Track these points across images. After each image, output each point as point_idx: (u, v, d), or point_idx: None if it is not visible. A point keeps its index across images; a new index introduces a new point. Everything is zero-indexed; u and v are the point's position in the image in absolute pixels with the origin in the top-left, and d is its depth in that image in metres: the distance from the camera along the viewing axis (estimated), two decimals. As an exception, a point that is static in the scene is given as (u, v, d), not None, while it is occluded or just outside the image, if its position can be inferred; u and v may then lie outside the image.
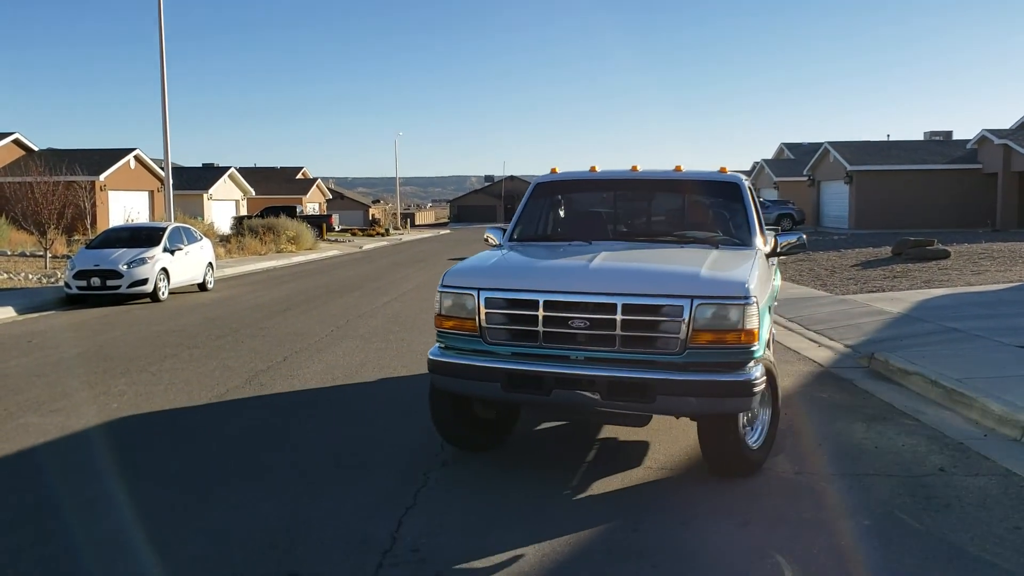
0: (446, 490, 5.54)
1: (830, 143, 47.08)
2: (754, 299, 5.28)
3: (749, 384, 5.27)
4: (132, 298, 17.97)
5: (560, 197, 7.59)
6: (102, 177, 38.25)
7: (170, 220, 25.90)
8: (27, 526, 5.03)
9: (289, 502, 5.32)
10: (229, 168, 55.77)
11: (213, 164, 60.36)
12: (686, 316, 5.24)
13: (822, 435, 6.84)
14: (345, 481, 5.73)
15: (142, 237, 19.07)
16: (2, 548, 4.70)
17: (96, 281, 17.38)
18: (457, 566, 4.40)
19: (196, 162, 78.52)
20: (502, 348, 5.57)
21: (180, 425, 7.35)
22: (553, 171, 7.58)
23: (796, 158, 61.42)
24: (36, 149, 40.61)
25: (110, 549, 4.68)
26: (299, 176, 78.19)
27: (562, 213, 7.60)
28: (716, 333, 5.26)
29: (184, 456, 6.40)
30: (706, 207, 7.32)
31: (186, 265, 19.50)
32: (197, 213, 46.02)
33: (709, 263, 5.74)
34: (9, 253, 27.48)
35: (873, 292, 15.88)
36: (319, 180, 77.14)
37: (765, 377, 5.46)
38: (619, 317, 5.30)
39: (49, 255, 24.59)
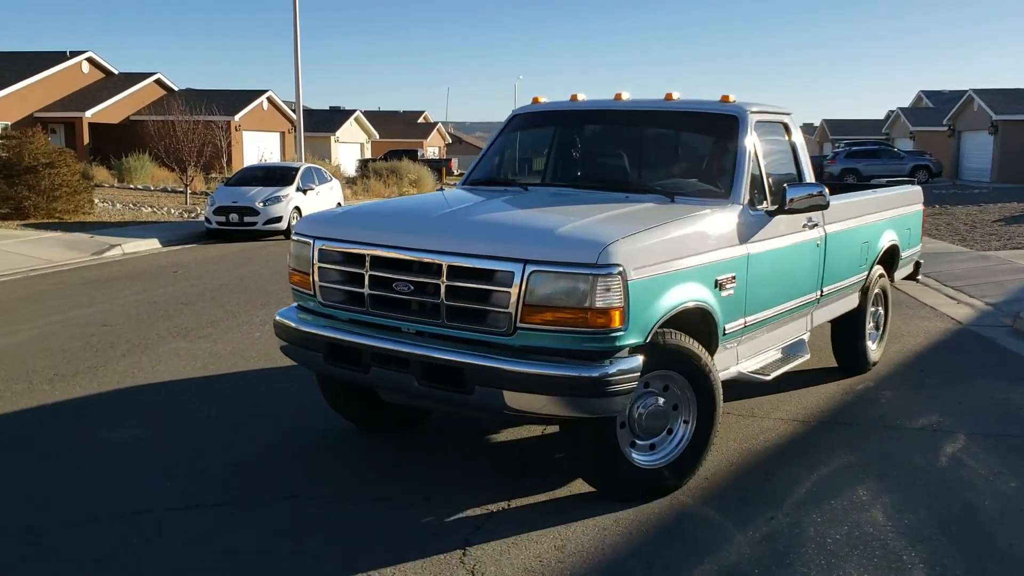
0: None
1: (975, 90, 44.35)
2: (616, 268, 3.99)
3: (599, 382, 3.99)
4: (267, 235, 18.73)
5: (536, 132, 6.40)
6: (237, 117, 39.67)
7: (301, 161, 26.76)
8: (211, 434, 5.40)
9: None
10: (355, 111, 56.94)
11: (340, 107, 61.65)
12: (516, 285, 4.06)
13: (960, 393, 6.60)
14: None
15: (276, 176, 19.81)
16: (200, 450, 5.07)
17: (234, 217, 18.20)
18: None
19: (324, 105, 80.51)
20: (338, 312, 4.70)
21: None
22: (535, 101, 6.37)
23: (936, 107, 58.06)
24: (176, 89, 42.38)
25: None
26: (420, 120, 79.11)
27: (528, 152, 6.47)
28: (556, 311, 4.04)
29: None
30: (692, 147, 5.98)
31: (317, 205, 20.12)
32: (324, 155, 47.26)
33: (593, 220, 4.52)
34: (152, 188, 28.96)
35: (1017, 249, 15.06)
36: (439, 124, 77.95)
37: (638, 373, 4.12)
38: (443, 282, 4.26)
39: (189, 191, 25.81)
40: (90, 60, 39.78)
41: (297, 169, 20.27)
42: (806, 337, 6.12)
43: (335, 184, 21.94)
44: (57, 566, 3.75)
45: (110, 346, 7.95)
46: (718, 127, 5.54)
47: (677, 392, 4.58)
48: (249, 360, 7.48)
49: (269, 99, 43.79)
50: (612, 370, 4.03)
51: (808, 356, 5.96)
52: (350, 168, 47.68)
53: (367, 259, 4.49)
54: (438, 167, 51.36)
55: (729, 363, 5.16)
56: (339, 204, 21.63)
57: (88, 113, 36.75)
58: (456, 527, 4.17)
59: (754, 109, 5.55)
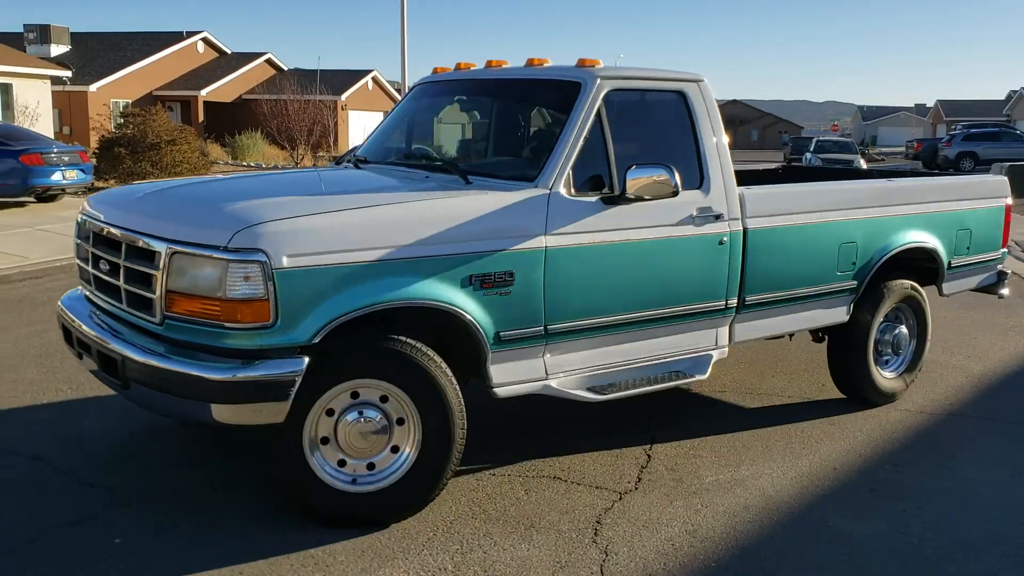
0: (696, 414, 5.63)
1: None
2: (258, 255, 3.48)
3: (224, 386, 3.49)
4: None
5: (422, 104, 5.70)
6: (343, 97, 40.54)
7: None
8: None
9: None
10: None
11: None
12: (161, 269, 3.65)
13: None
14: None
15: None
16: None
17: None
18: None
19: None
20: (87, 292, 4.48)
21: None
22: (435, 71, 5.68)
23: (1063, 87, 55.00)
24: (285, 68, 43.52)
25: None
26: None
27: (406, 126, 5.72)
28: (195, 300, 3.58)
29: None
30: (528, 121, 5.22)
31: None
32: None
33: (266, 200, 3.98)
34: (263, 166, 29.89)
35: None
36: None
37: (294, 377, 3.54)
38: (121, 262, 3.91)
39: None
40: (205, 40, 41.20)
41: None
42: (716, 354, 4.96)
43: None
44: None
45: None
46: (556, 97, 4.68)
47: (400, 406, 3.95)
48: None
49: (374, 79, 44.57)
50: (253, 373, 3.50)
51: (704, 376, 4.85)
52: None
53: (91, 235, 4.25)
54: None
55: (531, 375, 4.30)
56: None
57: (203, 92, 38.12)
58: (586, 507, 4.23)
59: (609, 75, 4.55)
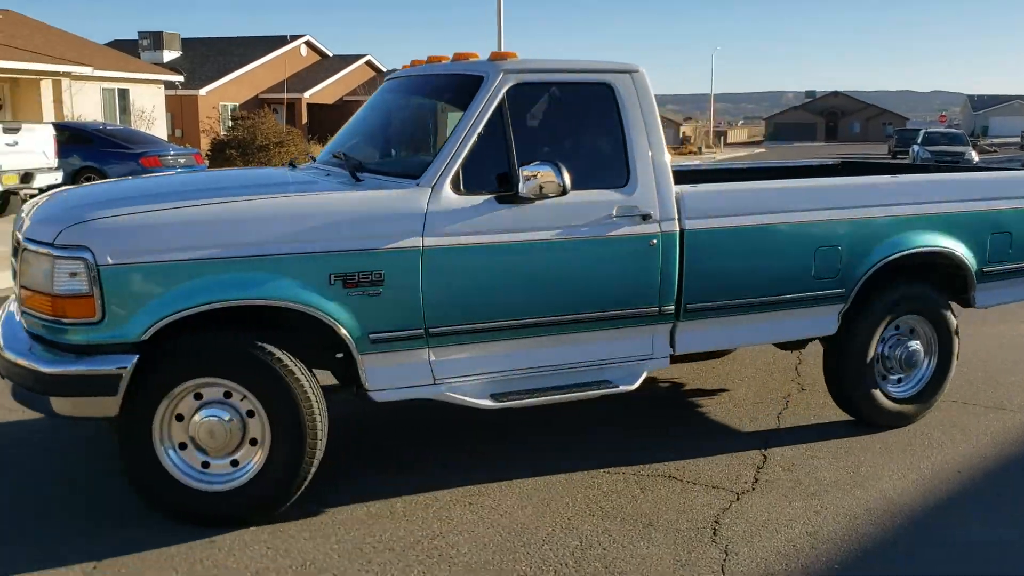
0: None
1: None
2: (82, 251, 3.55)
3: (57, 379, 3.62)
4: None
5: (381, 99, 5.44)
6: (439, 95, 41.06)
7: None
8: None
9: (657, 410, 5.60)
10: (549, 86, 57.47)
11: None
12: (17, 264, 3.86)
13: None
14: (707, 396, 5.90)
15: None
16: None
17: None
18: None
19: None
20: None
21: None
22: (412, 64, 5.36)
23: None
24: (384, 70, 44.38)
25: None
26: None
27: (359, 123, 5.48)
28: (34, 295, 3.71)
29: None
30: (434, 117, 5.03)
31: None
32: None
33: (108, 198, 4.07)
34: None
35: None
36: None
37: (120, 373, 3.60)
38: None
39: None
40: (308, 43, 42.36)
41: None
42: (652, 364, 4.66)
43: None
44: None
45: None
46: (460, 93, 4.45)
47: (251, 405, 3.92)
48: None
49: (469, 76, 44.98)
50: (81, 367, 3.60)
51: (631, 387, 4.53)
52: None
53: None
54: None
55: (415, 380, 4.16)
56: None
57: (306, 94, 39.22)
58: (703, 506, 4.24)
59: (516, 68, 4.34)
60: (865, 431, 5.25)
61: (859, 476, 4.61)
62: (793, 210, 4.82)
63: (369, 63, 44.14)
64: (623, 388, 4.52)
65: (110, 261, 3.59)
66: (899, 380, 5.35)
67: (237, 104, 35.88)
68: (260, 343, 3.85)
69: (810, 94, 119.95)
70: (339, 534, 3.93)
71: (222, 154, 21.16)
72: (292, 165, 5.33)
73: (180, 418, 3.88)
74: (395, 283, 3.99)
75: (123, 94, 28.60)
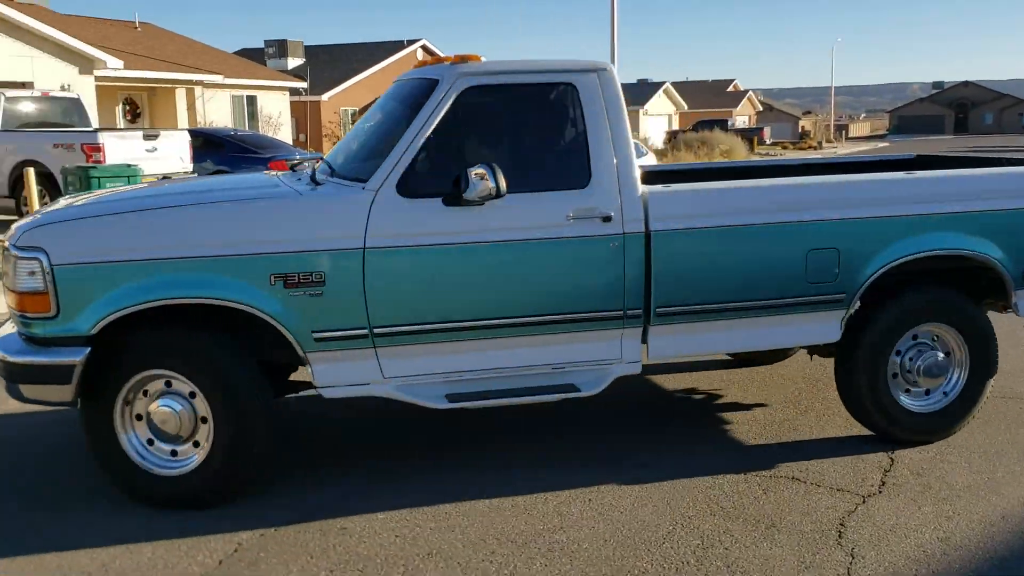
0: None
1: None
2: (37, 252, 3.93)
3: (22, 369, 4.04)
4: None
5: (380, 103, 5.48)
6: (552, 95, 41.19)
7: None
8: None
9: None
10: (664, 83, 56.97)
11: (647, 79, 61.94)
12: None
13: None
14: (830, 397, 5.78)
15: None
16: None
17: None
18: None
19: (631, 78, 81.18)
20: None
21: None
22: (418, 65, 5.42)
23: None
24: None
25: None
26: (729, 89, 77.33)
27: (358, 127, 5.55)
28: (10, 293, 4.16)
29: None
30: (398, 121, 4.80)
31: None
32: (633, 128, 47.64)
33: (83, 202, 4.55)
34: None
35: None
36: (749, 92, 75.73)
37: (72, 364, 3.91)
38: None
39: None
40: (424, 48, 43.15)
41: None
42: (620, 369, 4.56)
43: (650, 157, 22.26)
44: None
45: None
46: (418, 97, 4.47)
47: (199, 398, 4.18)
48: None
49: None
50: (38, 358, 3.98)
51: (595, 392, 4.46)
52: (657, 140, 47.76)
53: None
54: (749, 136, 49.99)
55: (364, 378, 4.29)
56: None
57: (421, 96, 39.89)
58: (827, 509, 4.16)
59: (472, 71, 4.36)
60: (1000, 436, 5.04)
61: (994, 481, 4.44)
62: (784, 210, 4.59)
63: (483, 64, 44.66)
64: (586, 393, 4.45)
65: (62, 261, 3.95)
66: (927, 392, 4.95)
67: (357, 109, 36.90)
68: (195, 336, 4.15)
69: (937, 85, 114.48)
70: (463, 525, 4.05)
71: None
72: (293, 168, 5.51)
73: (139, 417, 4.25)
74: (337, 284, 4.13)
75: (251, 100, 29.86)
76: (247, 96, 29.69)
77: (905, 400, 4.91)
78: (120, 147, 14.35)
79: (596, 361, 4.54)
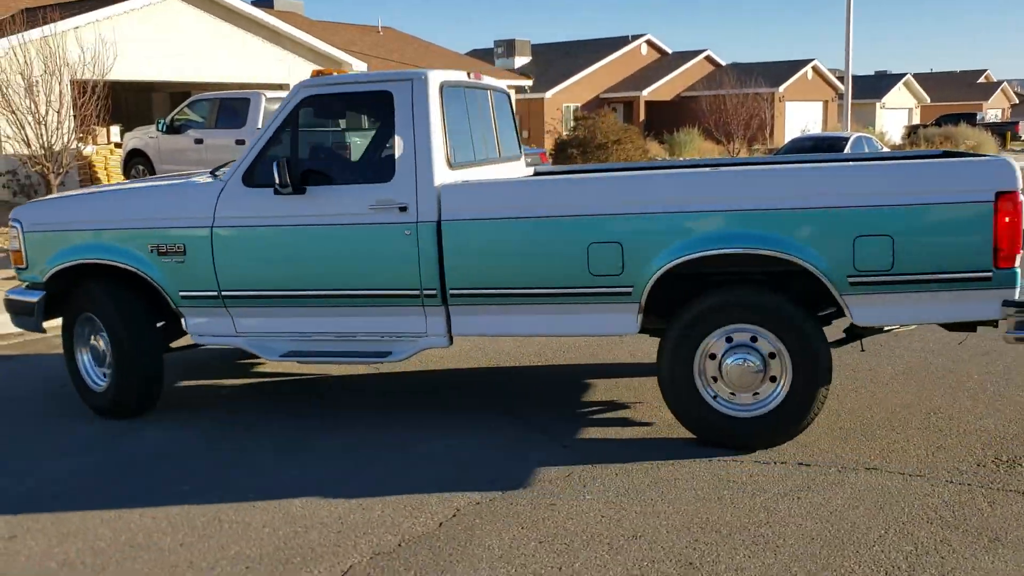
0: None
1: None
2: (17, 224, 5.82)
3: (11, 304, 5.94)
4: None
5: None
6: (780, 89, 39.86)
7: (847, 130, 26.01)
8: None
9: None
10: (904, 75, 53.43)
11: (886, 71, 58.33)
12: None
13: None
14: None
15: (824, 147, 19.52)
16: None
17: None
18: None
19: (868, 70, 76.82)
20: None
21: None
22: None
23: None
24: (723, 64, 43.90)
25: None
26: (980, 80, 71.11)
27: None
28: (11, 253, 6.06)
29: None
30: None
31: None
32: (868, 122, 45.18)
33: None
34: (699, 161, 30.53)
35: None
36: (1004, 84, 69.31)
37: (33, 303, 5.69)
38: None
39: (734, 164, 26.75)
40: (648, 42, 43.07)
41: (847, 139, 19.77)
42: (425, 342, 5.14)
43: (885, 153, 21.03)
44: (668, 495, 4.35)
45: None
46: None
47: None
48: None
49: (814, 68, 43.22)
50: (17, 296, 5.85)
51: (399, 359, 5.13)
52: (895, 135, 44.96)
53: None
54: (1001, 131, 45.88)
55: (222, 331, 5.44)
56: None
57: (645, 92, 39.93)
58: (1061, 527, 3.90)
59: (311, 84, 5.22)
60: None
61: None
62: (556, 205, 4.83)
63: (708, 58, 43.86)
64: (393, 359, 5.14)
65: (27, 230, 5.73)
66: (754, 395, 4.76)
67: (579, 105, 37.46)
68: (110, 289, 5.52)
69: None
70: (667, 512, 4.15)
71: (564, 153, 22.29)
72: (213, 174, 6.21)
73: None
74: (193, 255, 5.29)
75: (478, 99, 31.02)
76: (475, 94, 30.86)
77: (717, 403, 4.82)
78: (360, 144, 15.41)
79: (407, 333, 5.20)
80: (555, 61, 40.76)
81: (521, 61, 41.36)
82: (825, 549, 3.76)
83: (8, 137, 14.04)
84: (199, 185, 5.48)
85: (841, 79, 34.26)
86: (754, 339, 4.73)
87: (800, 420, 4.76)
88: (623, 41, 42.26)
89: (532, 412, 5.63)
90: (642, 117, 39.64)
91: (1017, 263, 4.42)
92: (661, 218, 4.69)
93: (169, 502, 4.41)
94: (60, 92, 13.31)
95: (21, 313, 5.82)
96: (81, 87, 13.67)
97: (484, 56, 39.67)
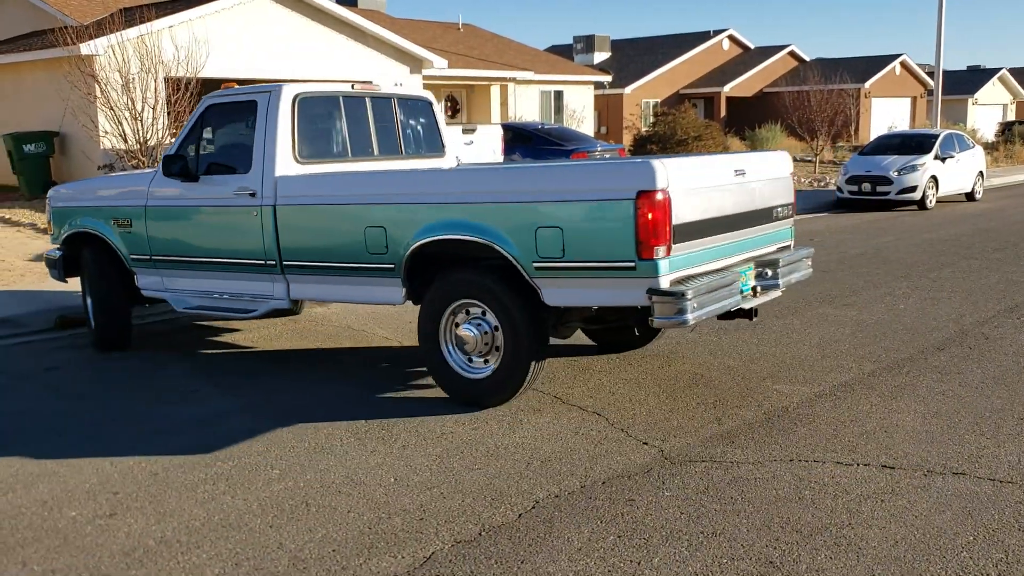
0: None
1: None
2: (48, 199, 8.05)
3: (44, 258, 8.39)
4: (898, 204, 18.20)
5: None
6: (867, 84, 38.86)
7: (936, 127, 25.24)
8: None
9: None
10: (999, 70, 51.43)
11: (979, 66, 56.20)
12: None
13: None
14: None
15: (913, 145, 19.05)
16: (828, 418, 5.42)
17: (866, 187, 18.07)
18: None
19: (960, 65, 74.14)
20: None
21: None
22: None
23: None
24: (807, 59, 42.97)
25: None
26: (1083, 73, 67.97)
27: None
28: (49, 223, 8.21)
29: (982, 366, 6.45)
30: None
31: (955, 173, 18.96)
32: (959, 119, 43.70)
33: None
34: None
35: None
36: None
37: (57, 256, 7.89)
38: None
39: (818, 160, 26.18)
40: (730, 37, 42.43)
41: (936, 136, 19.21)
42: (274, 303, 6.46)
43: (977, 151, 20.32)
44: (747, 494, 4.33)
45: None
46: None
47: None
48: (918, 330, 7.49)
49: (902, 63, 41.99)
50: (49, 255, 8.02)
51: (254, 315, 6.54)
52: (988, 133, 43.35)
53: None
54: (1104, 128, 43.83)
55: (157, 287, 7.16)
56: (980, 173, 20.02)
57: (726, 88, 39.37)
58: None
59: (214, 94, 6.77)
60: None
61: None
62: (351, 194, 6.01)
63: (792, 53, 42.96)
64: (252, 314, 6.56)
65: (51, 205, 7.82)
66: (484, 361, 5.60)
67: (658, 100, 37.13)
68: (89, 253, 7.48)
69: None
70: (747, 511, 4.13)
71: (643, 148, 22.15)
72: None
73: None
74: (136, 227, 7.06)
75: (558, 95, 31.07)
76: (554, 91, 30.93)
77: (461, 365, 5.67)
78: (442, 140, 15.62)
79: (261, 295, 6.53)
80: (635, 56, 40.47)
81: (600, 57, 41.18)
82: (910, 553, 3.70)
83: (106, 132, 14.65)
84: (144, 175, 7.28)
85: (931, 74, 33.28)
86: (484, 313, 5.53)
87: (511, 387, 5.52)
88: (704, 36, 41.71)
89: (612, 410, 5.65)
90: (723, 113, 39.06)
91: (660, 255, 4.87)
92: (407, 208, 5.71)
93: (258, 486, 4.57)
94: (155, 89, 13.82)
95: (52, 268, 7.92)
96: (175, 84, 14.16)
97: (563, 52, 39.61)
